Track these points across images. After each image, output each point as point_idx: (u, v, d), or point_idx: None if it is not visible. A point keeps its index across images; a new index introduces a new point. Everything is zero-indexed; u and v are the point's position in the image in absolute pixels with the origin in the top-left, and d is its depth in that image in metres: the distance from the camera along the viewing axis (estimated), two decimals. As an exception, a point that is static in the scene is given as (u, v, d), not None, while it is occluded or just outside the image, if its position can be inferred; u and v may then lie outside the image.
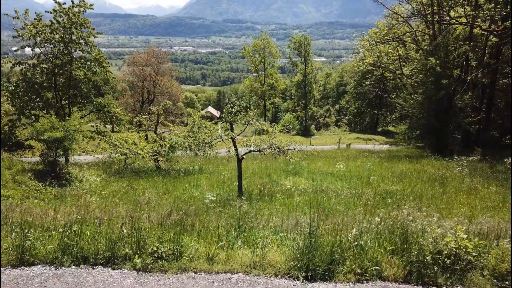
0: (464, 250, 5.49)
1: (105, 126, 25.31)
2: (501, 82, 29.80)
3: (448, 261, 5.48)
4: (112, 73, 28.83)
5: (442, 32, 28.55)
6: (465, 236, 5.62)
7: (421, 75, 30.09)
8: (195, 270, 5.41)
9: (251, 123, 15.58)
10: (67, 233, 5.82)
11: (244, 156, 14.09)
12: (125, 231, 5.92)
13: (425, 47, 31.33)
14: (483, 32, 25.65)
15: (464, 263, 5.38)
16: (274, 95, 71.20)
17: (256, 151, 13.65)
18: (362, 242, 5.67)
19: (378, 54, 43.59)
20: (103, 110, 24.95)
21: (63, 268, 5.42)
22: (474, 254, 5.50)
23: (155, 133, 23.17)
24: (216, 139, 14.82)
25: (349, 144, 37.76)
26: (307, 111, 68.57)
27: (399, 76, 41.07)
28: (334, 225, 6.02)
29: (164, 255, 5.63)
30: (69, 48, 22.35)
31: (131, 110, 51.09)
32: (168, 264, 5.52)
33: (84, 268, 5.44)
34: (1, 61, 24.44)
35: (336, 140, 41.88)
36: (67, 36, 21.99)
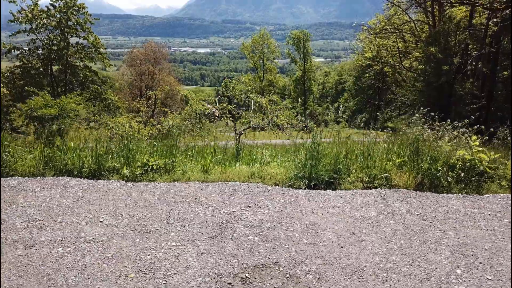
0: (479, 162, 5.09)
1: (99, 115, 24.96)
2: (500, 74, 29.52)
3: (462, 174, 5.07)
4: (109, 60, 28.48)
5: (442, 19, 28.31)
6: (480, 148, 5.22)
7: (421, 65, 29.81)
8: (189, 180, 4.98)
9: (249, 97, 15.25)
10: (49, 146, 5.39)
11: (242, 132, 13.78)
12: (113, 146, 5.49)
13: (425, 38, 31.07)
14: (485, 10, 25.36)
15: (480, 170, 4.98)
16: (273, 92, 70.91)
17: (254, 127, 13.31)
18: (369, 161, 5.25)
19: (377, 49, 43.31)
20: (99, 98, 24.54)
21: (45, 178, 4.98)
22: (490, 166, 5.10)
23: (152, 117, 22.84)
24: (213, 112, 14.52)
25: (349, 136, 37.35)
26: (306, 108, 68.25)
27: (399, 70, 40.79)
28: (338, 141, 5.61)
29: (155, 167, 5.20)
30: (65, 34, 21.96)
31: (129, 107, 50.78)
32: (159, 176, 5.09)
33: (68, 178, 5.01)
34: (0, 51, 24.05)
35: (335, 135, 41.51)
36: (64, 21, 21.63)
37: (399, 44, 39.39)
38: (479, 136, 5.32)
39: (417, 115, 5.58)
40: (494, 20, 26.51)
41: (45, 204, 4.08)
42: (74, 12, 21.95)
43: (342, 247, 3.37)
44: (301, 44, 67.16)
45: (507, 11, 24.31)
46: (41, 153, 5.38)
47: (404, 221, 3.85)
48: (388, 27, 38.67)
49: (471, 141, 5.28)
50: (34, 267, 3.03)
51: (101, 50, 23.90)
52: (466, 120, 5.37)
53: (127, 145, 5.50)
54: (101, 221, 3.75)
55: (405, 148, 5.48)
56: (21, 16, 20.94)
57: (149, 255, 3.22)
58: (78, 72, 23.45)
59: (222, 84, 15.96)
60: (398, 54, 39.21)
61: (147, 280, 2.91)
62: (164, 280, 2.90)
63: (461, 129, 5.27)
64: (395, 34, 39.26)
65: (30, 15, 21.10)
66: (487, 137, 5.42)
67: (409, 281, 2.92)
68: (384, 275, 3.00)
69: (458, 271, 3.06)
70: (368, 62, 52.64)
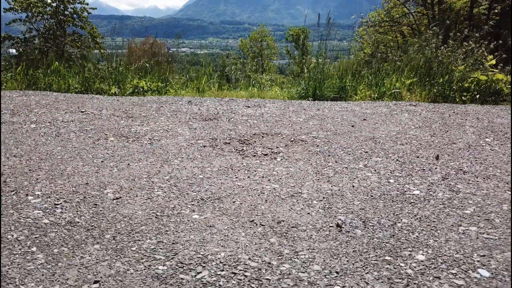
0: (495, 83, 4.71)
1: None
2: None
3: (477, 96, 4.69)
4: (106, 50, 28.01)
5: (443, 8, 28.04)
6: (496, 70, 4.85)
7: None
8: (182, 97, 4.58)
9: (249, 75, 14.99)
10: (32, 66, 4.99)
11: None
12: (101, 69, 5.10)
13: (424, 30, 30.82)
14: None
15: (496, 89, 4.59)
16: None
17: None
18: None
19: (377, 44, 43.04)
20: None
21: (25, 91, 4.57)
22: (508, 86, 4.72)
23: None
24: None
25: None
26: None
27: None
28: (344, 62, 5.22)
29: (145, 88, 4.81)
30: (62, 24, 21.52)
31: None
32: (151, 93, 4.70)
33: (50, 92, 4.60)
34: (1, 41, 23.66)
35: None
36: (60, 10, 21.23)
37: (398, 39, 39.23)
38: (496, 54, 4.94)
39: (429, 32, 5.18)
40: (496, 11, 26.23)
41: (22, 103, 3.68)
42: (71, 1, 21.58)
43: (353, 126, 2.99)
44: (299, 42, 67.13)
45: (508, 1, 24.03)
46: (23, 75, 4.98)
47: (420, 114, 3.47)
48: (387, 20, 38.54)
49: (487, 61, 4.90)
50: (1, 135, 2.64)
51: (98, 40, 23.48)
52: (485, 27, 4.98)
53: (117, 68, 5.11)
54: (82, 111, 3.36)
55: (416, 70, 5.09)
56: (17, 4, 20.52)
57: (133, 128, 2.83)
58: (75, 61, 23.00)
59: (219, 62, 15.56)
60: (397, 48, 39.01)
61: (129, 142, 2.51)
62: (150, 143, 2.51)
63: (476, 44, 4.88)
64: (394, 28, 39.15)
65: (25, 3, 20.71)
66: (504, 55, 5.03)
67: (432, 145, 2.53)
68: (403, 141, 2.61)
69: (488, 139, 2.68)
70: (367, 59, 52.49)
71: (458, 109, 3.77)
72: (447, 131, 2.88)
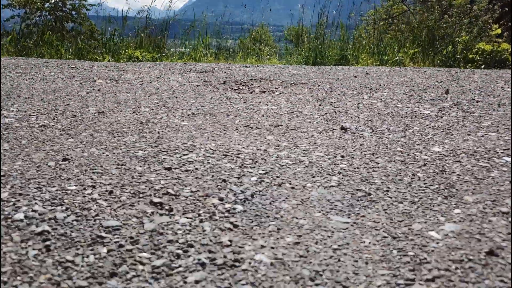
0: (500, 52, 4.57)
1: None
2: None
3: (482, 66, 4.54)
4: (105, 47, 27.87)
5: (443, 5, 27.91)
6: (502, 40, 4.71)
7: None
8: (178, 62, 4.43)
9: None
10: (24, 36, 4.84)
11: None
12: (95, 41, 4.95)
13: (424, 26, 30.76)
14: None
15: (502, 59, 4.45)
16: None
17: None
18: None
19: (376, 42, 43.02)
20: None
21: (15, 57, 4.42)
22: None
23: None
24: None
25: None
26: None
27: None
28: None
29: (140, 58, 4.66)
30: (61, 20, 21.43)
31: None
32: (145, 61, 4.55)
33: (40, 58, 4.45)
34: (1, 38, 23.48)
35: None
36: (59, 7, 21.12)
37: (397, 34, 39.13)
38: (501, 23, 4.80)
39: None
40: (495, 7, 26.16)
41: (10, 64, 3.53)
42: (70, -3, 21.53)
43: (355, 76, 2.84)
44: (300, 41, 67.11)
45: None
46: (14, 46, 4.84)
47: (425, 72, 3.33)
48: (386, 17, 38.51)
49: (491, 30, 4.76)
50: (-18, 79, 2.48)
51: (96, 36, 23.42)
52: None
53: (111, 39, 4.97)
54: (72, 67, 3.20)
55: (419, 40, 4.95)
56: (15, 0, 20.40)
57: (124, 76, 2.68)
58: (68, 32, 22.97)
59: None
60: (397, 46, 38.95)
61: (119, 83, 2.36)
62: (140, 83, 2.36)
63: (480, 11, 4.74)
64: (394, 26, 39.12)
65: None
66: (510, 24, 4.89)
67: (441, 87, 2.39)
68: (409, 84, 2.47)
69: (499, 84, 2.54)
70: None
71: (465, 70, 3.63)
72: (455, 80, 2.73)
